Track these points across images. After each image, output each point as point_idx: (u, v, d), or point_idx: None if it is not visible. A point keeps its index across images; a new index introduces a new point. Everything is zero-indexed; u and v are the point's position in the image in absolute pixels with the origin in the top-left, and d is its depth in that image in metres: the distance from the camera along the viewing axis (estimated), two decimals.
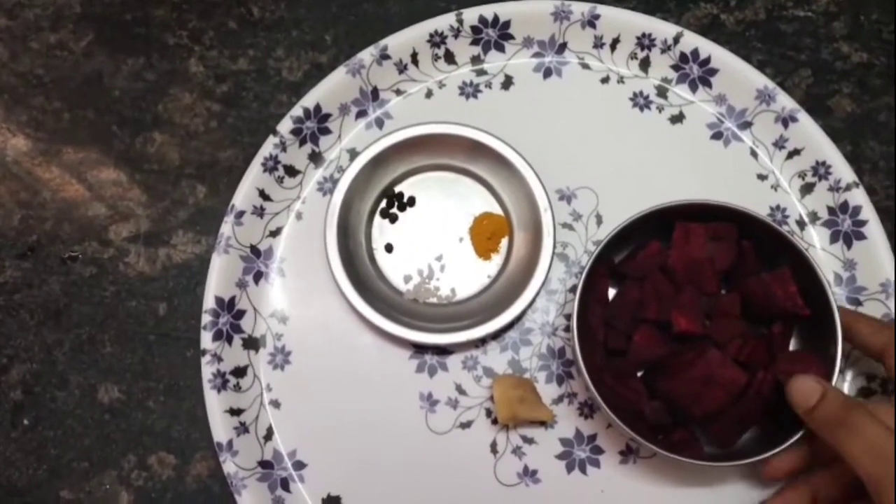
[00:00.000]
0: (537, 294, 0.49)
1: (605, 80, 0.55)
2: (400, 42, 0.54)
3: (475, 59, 0.55)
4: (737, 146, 0.54)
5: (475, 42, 0.55)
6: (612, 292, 0.50)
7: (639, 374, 0.48)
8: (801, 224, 0.52)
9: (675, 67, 0.55)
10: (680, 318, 0.46)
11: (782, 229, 0.47)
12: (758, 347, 0.46)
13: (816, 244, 0.52)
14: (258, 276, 0.52)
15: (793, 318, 0.47)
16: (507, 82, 0.55)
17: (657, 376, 0.47)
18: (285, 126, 0.53)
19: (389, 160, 0.52)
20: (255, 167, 0.52)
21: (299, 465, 0.50)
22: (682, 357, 0.46)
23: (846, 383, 0.50)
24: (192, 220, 0.54)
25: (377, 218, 0.53)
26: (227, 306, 0.51)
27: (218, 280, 0.51)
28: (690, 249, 0.47)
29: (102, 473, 0.51)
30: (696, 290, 0.47)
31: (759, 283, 0.47)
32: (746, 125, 0.54)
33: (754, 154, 0.53)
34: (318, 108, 0.53)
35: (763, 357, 0.46)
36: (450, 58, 0.55)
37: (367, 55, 0.54)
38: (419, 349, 0.51)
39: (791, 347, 0.48)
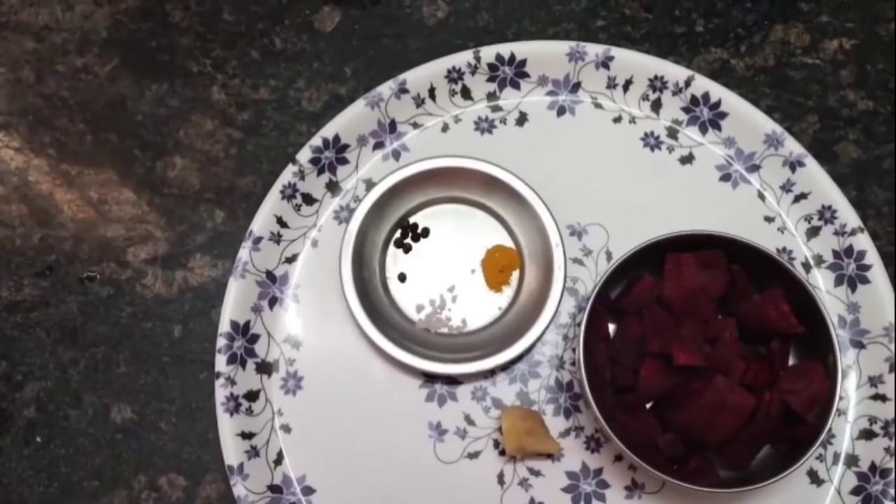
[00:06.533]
0: (547, 327, 0.50)
1: (617, 120, 0.56)
2: (418, 77, 0.55)
3: (491, 96, 0.57)
4: (745, 188, 0.55)
5: (491, 79, 0.56)
6: (611, 328, 0.51)
7: (647, 405, 0.49)
8: (806, 267, 0.53)
9: (686, 110, 0.56)
10: (680, 353, 0.47)
11: (767, 249, 0.48)
12: (761, 369, 0.47)
13: (822, 286, 0.53)
14: (273, 302, 0.53)
15: (789, 334, 0.48)
16: (522, 119, 0.57)
17: (667, 408, 0.48)
18: (304, 155, 0.54)
19: (405, 191, 0.53)
20: (274, 194, 0.53)
21: (308, 491, 0.50)
22: (689, 387, 0.47)
23: (849, 424, 0.51)
24: (210, 245, 0.55)
25: (391, 248, 0.54)
26: (241, 330, 0.52)
27: (234, 304, 0.52)
28: (683, 279, 0.49)
29: (112, 493, 0.51)
30: (693, 320, 0.48)
31: (752, 306, 0.48)
32: (755, 168, 0.55)
33: (762, 196, 0.55)
34: (336, 138, 0.55)
35: (767, 377, 0.47)
36: (466, 93, 0.57)
37: (386, 88, 0.55)
38: (429, 378, 0.52)
39: (791, 360, 0.50)
